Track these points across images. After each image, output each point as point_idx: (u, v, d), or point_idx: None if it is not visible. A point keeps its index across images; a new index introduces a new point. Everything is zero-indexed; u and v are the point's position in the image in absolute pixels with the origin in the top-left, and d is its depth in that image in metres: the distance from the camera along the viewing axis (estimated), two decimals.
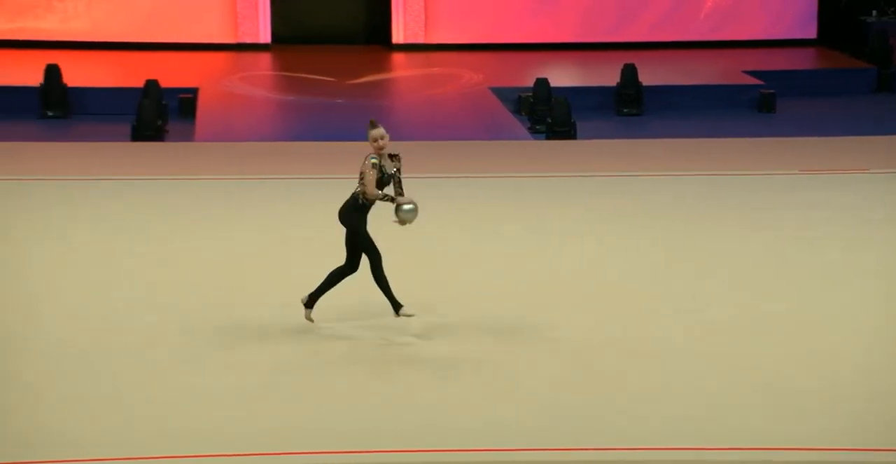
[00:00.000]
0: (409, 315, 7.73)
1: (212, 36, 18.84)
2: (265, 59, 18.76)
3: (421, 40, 19.23)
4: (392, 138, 12.83)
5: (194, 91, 15.89)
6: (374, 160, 7.64)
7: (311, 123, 14.95)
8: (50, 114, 15.30)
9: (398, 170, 7.77)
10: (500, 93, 16.24)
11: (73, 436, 6.48)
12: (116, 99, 15.50)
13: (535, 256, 9.55)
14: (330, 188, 11.38)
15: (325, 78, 17.29)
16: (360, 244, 7.64)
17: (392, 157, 7.78)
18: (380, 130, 7.72)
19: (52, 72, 15.52)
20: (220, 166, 12.40)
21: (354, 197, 7.69)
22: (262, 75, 17.92)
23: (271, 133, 14.77)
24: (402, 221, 7.71)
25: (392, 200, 7.68)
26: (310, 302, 7.79)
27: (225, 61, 18.41)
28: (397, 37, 19.27)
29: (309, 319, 7.78)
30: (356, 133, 14.18)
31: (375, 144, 7.71)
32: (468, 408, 6.92)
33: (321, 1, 19.44)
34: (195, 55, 18.42)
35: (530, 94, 15.81)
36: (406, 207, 7.65)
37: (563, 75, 17.57)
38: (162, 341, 7.70)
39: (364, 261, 7.67)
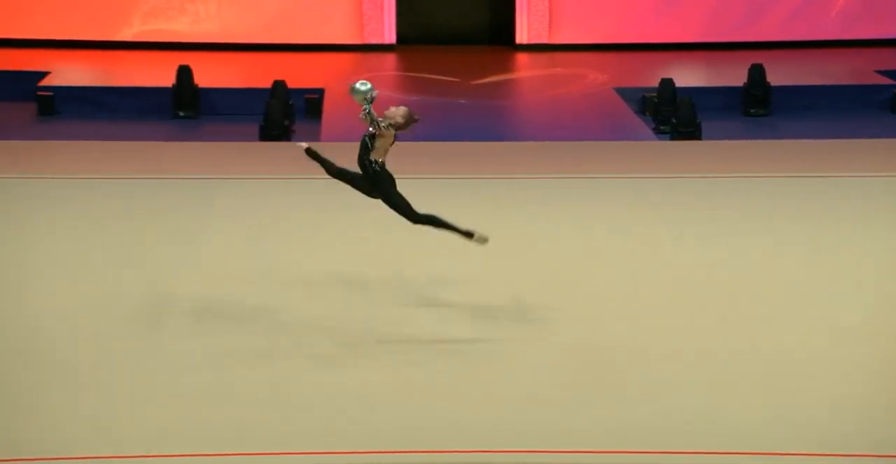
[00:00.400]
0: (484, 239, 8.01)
1: (338, 37, 19.05)
2: (390, 59, 18.91)
3: (545, 40, 19.19)
4: (515, 138, 12.81)
5: (320, 92, 16.09)
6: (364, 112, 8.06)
7: (435, 123, 15.02)
8: (181, 114, 15.64)
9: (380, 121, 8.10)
10: (625, 93, 16.12)
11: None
12: (245, 99, 15.78)
13: (661, 258, 9.45)
14: (449, 188, 11.44)
15: (448, 78, 17.35)
16: (398, 205, 8.15)
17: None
18: (362, 87, 8.10)
19: (184, 73, 15.86)
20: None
21: (380, 163, 8.21)
22: (387, 76, 18.06)
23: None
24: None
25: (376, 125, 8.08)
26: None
27: (350, 62, 18.60)
28: (521, 37, 19.25)
29: None
30: (479, 133, 14.30)
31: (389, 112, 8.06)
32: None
33: (446, 2, 19.52)
34: (321, 56, 18.65)
35: (655, 94, 15.65)
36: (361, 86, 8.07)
37: (688, 75, 17.36)
38: (291, 342, 7.80)
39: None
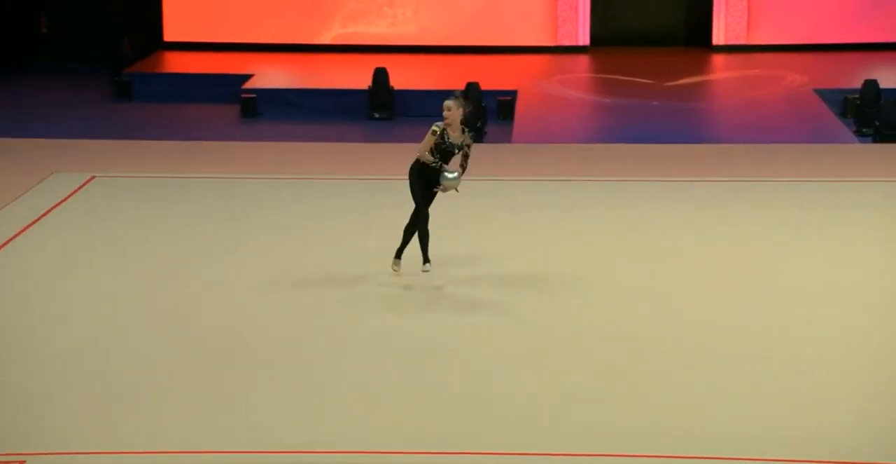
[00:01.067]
0: (426, 271, 8.54)
1: (531, 39, 19.07)
2: (583, 61, 18.82)
3: (742, 41, 18.79)
4: (710, 141, 12.65)
5: (513, 93, 16.12)
6: (435, 127, 8.50)
7: (628, 125, 14.88)
8: (377, 116, 15.90)
9: (468, 145, 8.50)
10: (825, 95, 15.65)
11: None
12: (439, 101, 15.84)
13: (864, 265, 9.14)
14: (641, 190, 11.32)
15: (642, 80, 17.16)
16: (413, 198, 8.47)
17: (465, 131, 8.54)
18: (447, 102, 8.52)
19: (380, 75, 16.12)
20: (537, 168, 12.52)
21: (416, 159, 8.53)
22: (580, 77, 17.98)
23: (588, 135, 14.80)
24: (444, 188, 8.44)
25: (440, 166, 8.41)
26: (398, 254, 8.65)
27: (543, 64, 18.59)
28: (718, 38, 18.90)
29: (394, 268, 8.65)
30: (673, 135, 14.09)
31: (443, 114, 8.54)
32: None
33: (640, 3, 19.31)
34: (515, 58, 18.70)
35: (857, 96, 15.14)
36: (449, 175, 8.39)
37: (893, 76, 16.73)
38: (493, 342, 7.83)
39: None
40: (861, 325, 8.02)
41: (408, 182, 8.62)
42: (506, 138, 14.53)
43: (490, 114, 15.50)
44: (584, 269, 9.13)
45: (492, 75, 17.01)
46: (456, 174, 8.43)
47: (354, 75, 16.96)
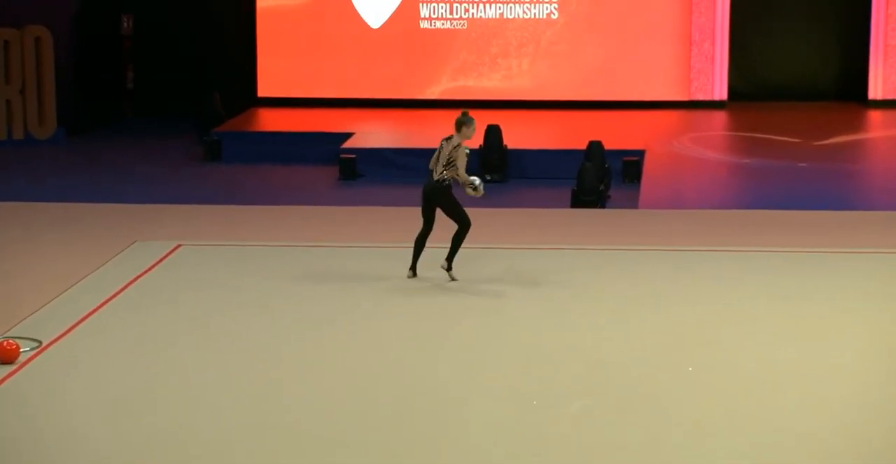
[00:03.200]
0: (452, 279, 10.58)
1: (661, 93, 19.14)
2: (720, 117, 18.81)
3: None
4: (866, 208, 12.58)
5: (640, 153, 16.16)
6: (466, 149, 10.52)
7: (771, 189, 14.79)
8: (488, 177, 16.04)
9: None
10: None
11: None
12: (557, 161, 16.05)
13: None
14: (786, 261, 11.22)
15: (787, 139, 17.07)
16: (455, 213, 10.50)
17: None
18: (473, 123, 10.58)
19: (492, 133, 16.30)
20: (666, 236, 12.50)
21: (440, 183, 10.54)
22: (716, 136, 17.95)
23: (724, 200, 14.74)
24: (478, 192, 10.55)
25: (468, 182, 10.54)
26: (448, 266, 10.62)
27: (675, 120, 18.62)
28: (875, 91, 18.78)
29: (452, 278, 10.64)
30: (823, 201, 13.96)
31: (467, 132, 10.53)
32: None
33: (786, 52, 19.27)
34: (642, 114, 18.76)
35: None
36: (477, 181, 10.55)
37: None
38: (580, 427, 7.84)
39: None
40: None
41: (444, 207, 10.53)
42: (632, 203, 14.54)
43: (615, 176, 15.55)
44: (725, 356, 9.07)
45: (617, 133, 17.07)
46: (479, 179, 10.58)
47: None
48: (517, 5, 19.20)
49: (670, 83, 19.08)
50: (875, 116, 18.51)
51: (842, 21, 19.02)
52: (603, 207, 14.58)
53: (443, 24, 19.38)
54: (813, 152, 16.38)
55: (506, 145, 16.25)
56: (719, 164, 16.39)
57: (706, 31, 18.87)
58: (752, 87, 19.40)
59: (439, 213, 10.76)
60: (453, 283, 10.62)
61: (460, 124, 10.46)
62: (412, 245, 10.90)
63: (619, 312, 10.00)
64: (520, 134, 16.94)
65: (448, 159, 10.50)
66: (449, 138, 10.55)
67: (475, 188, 10.48)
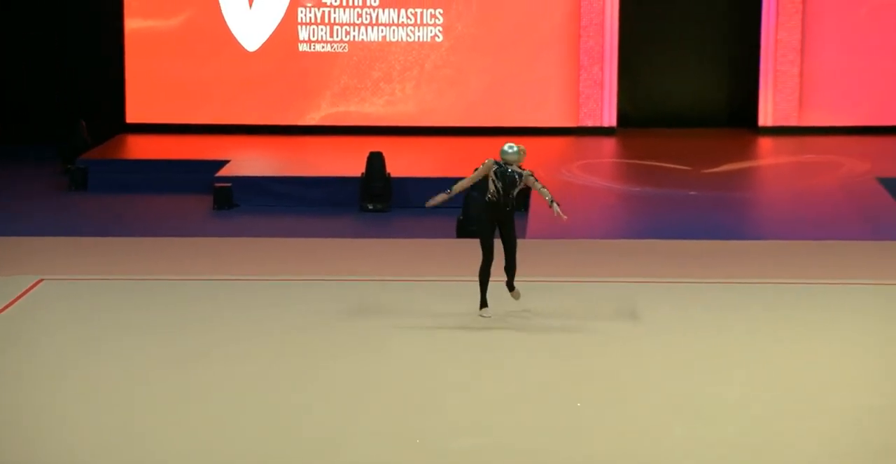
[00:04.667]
0: (486, 316, 10.64)
1: (549, 119, 19.33)
2: (609, 144, 19.05)
3: (794, 123, 19.04)
4: (756, 237, 12.83)
5: None
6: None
7: (660, 218, 15.01)
8: (371, 207, 16.06)
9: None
10: (891, 184, 15.80)
11: None
12: (442, 190, 16.06)
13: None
14: (676, 293, 11.38)
15: (677, 166, 17.34)
16: (513, 241, 10.79)
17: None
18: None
19: (375, 160, 16.32)
20: (553, 267, 12.61)
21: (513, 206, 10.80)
22: (605, 163, 18.17)
23: (613, 229, 14.91)
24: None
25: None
26: (483, 303, 10.72)
27: (563, 147, 18.81)
28: (765, 118, 19.16)
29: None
30: (712, 230, 14.21)
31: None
32: None
33: (676, 78, 19.60)
34: (530, 140, 18.81)
35: None
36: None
37: None
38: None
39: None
40: None
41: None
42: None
43: None
44: (603, 387, 9.16)
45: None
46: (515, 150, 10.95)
47: (345, 161, 17.17)
48: (400, 28, 19.29)
49: (559, 109, 19.29)
50: (765, 143, 18.89)
51: (732, 47, 19.40)
52: None
53: (323, 47, 19.39)
54: (703, 180, 16.66)
55: (389, 173, 16.28)
56: (609, 192, 16.60)
57: (595, 56, 19.13)
58: (641, 114, 19.69)
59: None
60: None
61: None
62: (293, 278, 10.85)
63: (504, 346, 10.04)
64: (404, 161, 16.98)
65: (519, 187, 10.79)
66: (500, 164, 10.84)
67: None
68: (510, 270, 10.78)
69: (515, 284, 10.87)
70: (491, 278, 10.77)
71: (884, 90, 18.76)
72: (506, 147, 10.86)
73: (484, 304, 10.75)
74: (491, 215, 10.73)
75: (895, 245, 13.51)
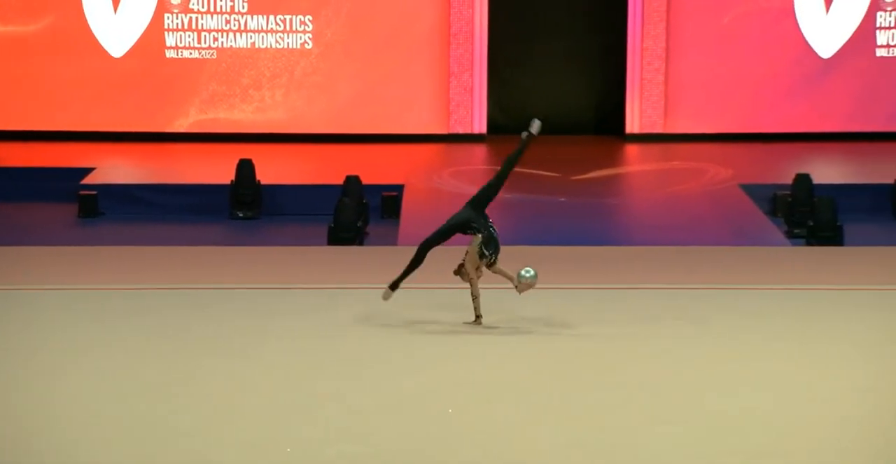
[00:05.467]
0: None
1: (420, 126, 19.38)
2: (480, 151, 19.15)
3: (659, 130, 19.33)
4: (623, 243, 13.08)
5: (399, 188, 16.31)
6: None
7: (530, 224, 15.13)
8: (241, 214, 15.96)
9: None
10: (753, 191, 16.12)
11: None
12: (313, 197, 16.07)
13: (792, 384, 9.36)
14: (548, 299, 11.48)
15: (546, 173, 17.50)
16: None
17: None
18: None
19: (244, 168, 16.22)
20: (426, 274, 12.65)
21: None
22: (476, 170, 18.26)
23: None
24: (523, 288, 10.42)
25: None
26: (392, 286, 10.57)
27: (434, 154, 18.88)
28: (632, 126, 19.42)
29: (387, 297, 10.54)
30: (581, 236, 14.37)
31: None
32: None
33: (545, 86, 19.78)
34: (401, 148, 18.96)
35: (788, 192, 15.63)
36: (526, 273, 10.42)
37: (828, 171, 17.34)
38: None
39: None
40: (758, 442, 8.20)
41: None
42: (391, 240, 14.66)
43: (372, 212, 15.65)
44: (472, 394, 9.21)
45: (374, 168, 17.20)
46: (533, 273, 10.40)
47: (214, 168, 17.04)
48: (269, 35, 19.19)
49: (429, 116, 19.35)
50: (632, 149, 19.15)
51: (600, 55, 19.64)
52: (361, 243, 14.65)
53: (190, 53, 19.21)
54: (572, 187, 16.83)
55: (259, 180, 16.19)
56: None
57: (465, 63, 19.22)
58: (511, 121, 19.82)
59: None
60: None
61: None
62: (161, 287, 10.74)
63: (378, 353, 10.04)
64: (273, 168, 16.90)
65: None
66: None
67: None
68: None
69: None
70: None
71: (747, 98, 19.14)
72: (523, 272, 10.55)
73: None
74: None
75: (757, 250, 13.79)
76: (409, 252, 13.64)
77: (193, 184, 16.40)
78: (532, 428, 8.52)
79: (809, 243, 14.39)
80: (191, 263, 13.07)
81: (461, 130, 19.37)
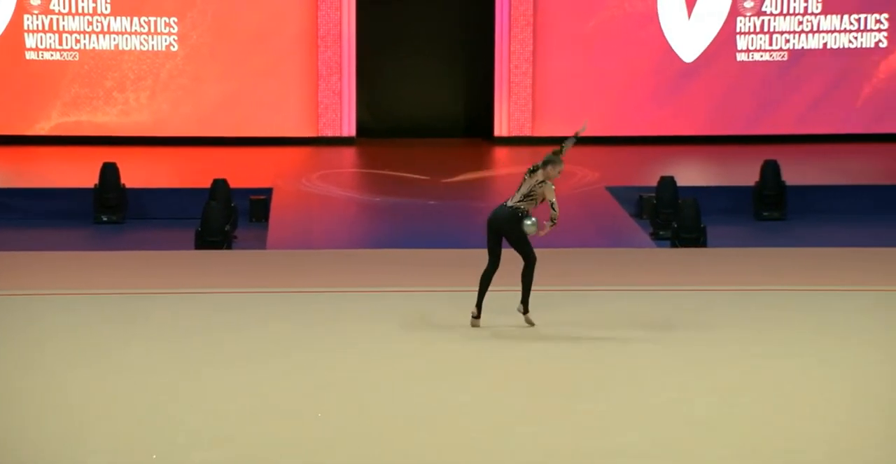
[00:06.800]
0: (530, 323, 10.58)
1: (288, 129, 19.33)
2: (349, 154, 19.16)
3: (528, 133, 19.53)
4: None
5: (267, 192, 16.26)
6: (553, 187, 10.46)
7: (400, 227, 15.18)
8: (105, 218, 15.77)
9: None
10: (619, 193, 16.36)
11: None
12: (179, 201, 15.95)
13: (657, 383, 9.52)
14: (420, 301, 11.53)
15: (416, 176, 17.56)
16: (525, 245, 10.44)
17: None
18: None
19: (109, 171, 16.03)
20: (295, 277, 12.62)
21: (515, 210, 10.43)
22: (345, 173, 18.28)
23: (354, 239, 15.01)
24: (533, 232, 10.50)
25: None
26: (525, 310, 10.60)
27: (303, 157, 18.84)
28: (500, 129, 19.59)
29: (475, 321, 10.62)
30: (451, 239, 14.45)
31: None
32: None
33: (414, 89, 19.86)
34: (269, 151, 18.90)
35: (653, 194, 15.89)
36: (528, 222, 10.45)
37: (691, 173, 17.65)
38: None
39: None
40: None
41: (511, 235, 10.47)
42: (260, 243, 14.61)
43: (241, 215, 15.58)
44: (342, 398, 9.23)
45: (242, 171, 17.13)
46: (534, 220, 10.43)
47: (77, 172, 16.82)
48: (133, 36, 18.99)
49: (298, 119, 19.30)
50: (501, 152, 19.31)
51: (468, 58, 19.78)
52: (229, 247, 14.58)
53: (52, 55, 18.93)
54: (442, 190, 16.92)
55: (124, 184, 16.02)
56: (349, 202, 16.70)
57: (333, 66, 19.22)
58: (380, 124, 19.87)
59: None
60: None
61: (546, 162, 10.39)
62: (19, 293, 10.56)
63: (237, 360, 10.01)
64: (139, 172, 16.74)
65: (529, 193, 10.41)
66: (533, 171, 10.45)
67: (552, 224, 10.50)
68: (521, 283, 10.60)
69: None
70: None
71: (613, 101, 19.42)
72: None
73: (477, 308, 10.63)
74: (491, 222, 10.56)
75: (623, 252, 13.99)
76: (280, 256, 13.63)
77: (56, 188, 16.18)
78: (404, 431, 8.55)
79: (674, 245, 14.64)
80: (55, 269, 12.88)
81: (330, 133, 19.36)
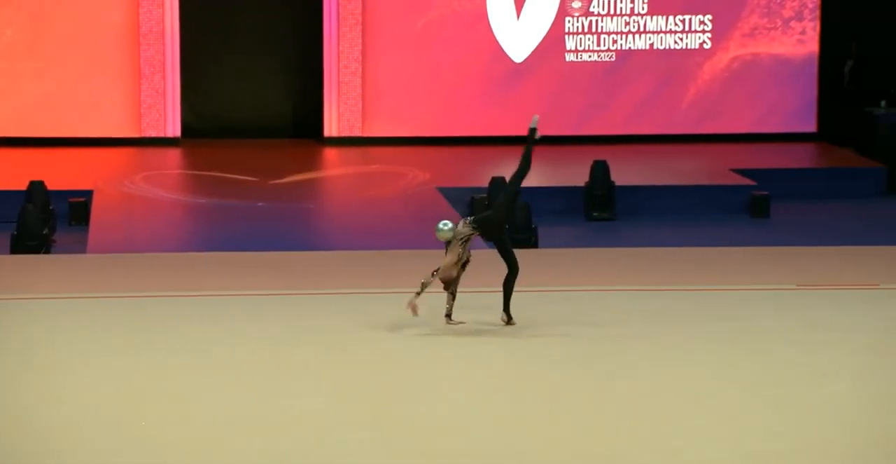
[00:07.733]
0: (511, 323, 10.90)
1: (110, 129, 18.96)
2: (174, 155, 18.89)
3: (358, 133, 19.47)
4: (322, 248, 12.96)
5: (88, 194, 15.95)
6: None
7: (227, 230, 15.01)
8: None
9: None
10: (450, 194, 16.40)
11: None
12: None
13: (511, 385, 9.56)
14: (250, 305, 11.40)
15: (243, 177, 17.39)
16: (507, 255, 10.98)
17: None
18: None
19: None
20: (117, 282, 12.38)
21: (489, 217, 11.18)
22: (170, 175, 18.02)
23: (179, 243, 14.80)
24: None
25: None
26: (508, 317, 10.93)
27: (126, 158, 18.51)
28: (330, 129, 19.49)
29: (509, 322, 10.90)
30: (280, 241, 14.32)
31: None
32: None
33: (240, 89, 19.65)
34: (89, 152, 18.52)
35: (485, 195, 15.96)
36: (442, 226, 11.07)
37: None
38: None
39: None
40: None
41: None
42: (80, 247, 14.31)
43: (60, 219, 15.25)
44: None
45: (61, 173, 16.79)
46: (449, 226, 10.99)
47: None
48: None
49: (119, 119, 18.95)
50: (330, 153, 19.23)
51: (297, 58, 19.64)
52: (48, 252, 14.26)
53: None
54: (270, 191, 16.77)
55: None
56: (174, 204, 16.45)
57: (156, 65, 18.91)
58: (206, 124, 19.62)
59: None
60: None
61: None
62: None
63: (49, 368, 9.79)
64: None
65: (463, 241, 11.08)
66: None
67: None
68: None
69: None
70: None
71: (443, 102, 19.47)
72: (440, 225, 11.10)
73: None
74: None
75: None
76: (101, 260, 13.35)
77: None
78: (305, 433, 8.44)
79: None
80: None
81: (154, 134, 19.06)
